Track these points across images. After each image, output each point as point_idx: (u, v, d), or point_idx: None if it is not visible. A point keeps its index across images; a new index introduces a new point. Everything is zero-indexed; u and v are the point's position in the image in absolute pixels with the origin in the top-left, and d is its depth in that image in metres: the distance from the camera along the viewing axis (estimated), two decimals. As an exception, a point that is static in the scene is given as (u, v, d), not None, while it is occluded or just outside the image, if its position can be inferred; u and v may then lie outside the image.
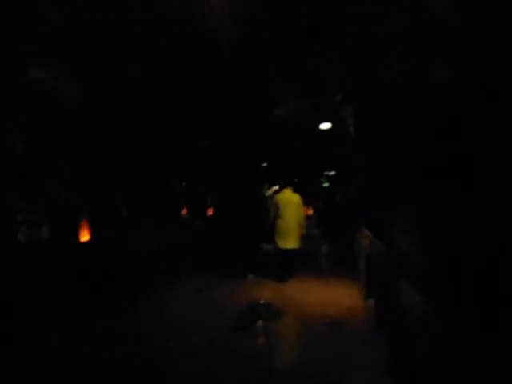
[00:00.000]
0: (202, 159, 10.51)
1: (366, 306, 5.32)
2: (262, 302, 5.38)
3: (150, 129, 7.88)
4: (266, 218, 7.35)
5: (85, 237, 6.20)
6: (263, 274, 7.58)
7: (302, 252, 9.75)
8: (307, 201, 23.45)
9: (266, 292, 6.21)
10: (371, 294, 5.63)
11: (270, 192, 12.86)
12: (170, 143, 8.85)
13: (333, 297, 5.82)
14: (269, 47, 8.22)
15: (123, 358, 3.66)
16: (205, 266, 8.04)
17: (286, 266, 7.03)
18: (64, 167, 6.24)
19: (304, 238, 7.86)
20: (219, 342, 4.01)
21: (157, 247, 7.45)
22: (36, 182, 5.85)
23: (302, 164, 19.41)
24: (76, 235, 6.11)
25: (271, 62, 8.72)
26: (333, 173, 20.35)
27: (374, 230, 6.31)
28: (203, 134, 10.21)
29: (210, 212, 11.17)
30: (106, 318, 4.77)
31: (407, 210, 5.83)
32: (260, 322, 4.50)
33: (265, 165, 12.91)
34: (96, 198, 6.68)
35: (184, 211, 10.46)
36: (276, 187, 12.62)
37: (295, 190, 7.29)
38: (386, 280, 4.03)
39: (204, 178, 10.74)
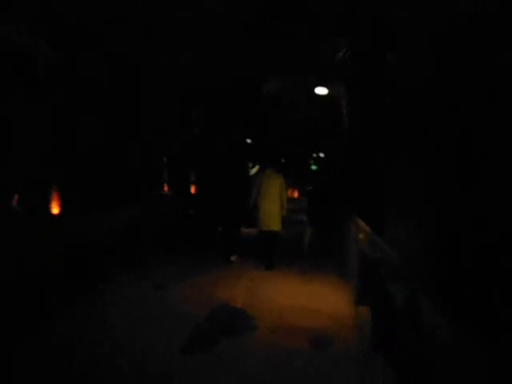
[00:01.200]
0: (186, 134, 9.67)
1: (358, 315, 4.32)
2: (230, 306, 4.33)
3: (132, 103, 7.46)
4: (249, 199, 6.91)
5: (55, 209, 5.78)
6: (240, 261, 6.68)
7: (286, 240, 8.85)
8: (294, 183, 22.56)
9: (239, 289, 5.18)
10: (364, 300, 4.64)
11: (253, 171, 12.01)
12: (152, 117, 8.32)
13: (317, 300, 4.81)
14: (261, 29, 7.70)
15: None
16: (177, 251, 7.10)
17: (267, 249, 6.56)
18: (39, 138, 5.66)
19: (288, 224, 7.24)
20: (159, 368, 2.95)
21: (122, 228, 6.35)
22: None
23: (290, 143, 18.28)
24: (47, 207, 5.71)
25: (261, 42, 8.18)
26: (322, 155, 19.27)
27: (365, 220, 5.39)
28: (187, 113, 9.66)
29: (193, 190, 10.42)
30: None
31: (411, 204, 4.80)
32: (222, 341, 3.43)
33: (249, 141, 11.78)
34: (69, 171, 6.10)
35: (165, 188, 9.78)
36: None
37: (280, 171, 6.89)
38: (392, 292, 3.00)
39: (186, 153, 9.89)
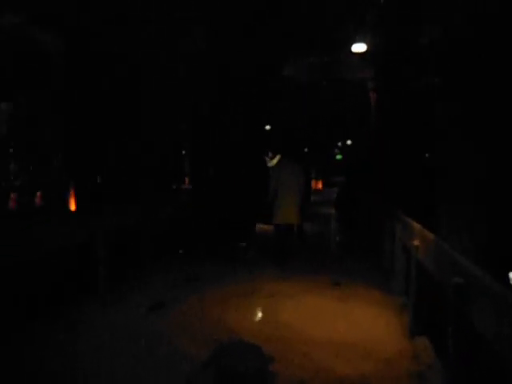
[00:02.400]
0: (204, 124, 9.16)
1: (418, 353, 3.13)
2: (239, 341, 3.22)
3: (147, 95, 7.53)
4: (266, 193, 6.12)
5: (72, 206, 6.17)
6: (254, 267, 5.63)
7: (311, 238, 7.77)
8: (318, 174, 21.31)
9: (254, 312, 4.06)
10: (422, 330, 3.45)
11: (273, 162, 10.99)
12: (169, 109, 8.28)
13: (358, 329, 3.62)
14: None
15: None
16: (183, 255, 6.27)
17: (285, 245, 5.88)
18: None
19: (313, 218, 6.74)
20: None
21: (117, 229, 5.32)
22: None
23: (313, 132, 16.96)
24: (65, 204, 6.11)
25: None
26: (349, 142, 17.80)
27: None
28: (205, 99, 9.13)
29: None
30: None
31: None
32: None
33: (268, 127, 10.60)
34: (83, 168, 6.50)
35: (185, 181, 9.68)
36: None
37: (300, 161, 6.43)
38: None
39: (205, 144, 9.37)
